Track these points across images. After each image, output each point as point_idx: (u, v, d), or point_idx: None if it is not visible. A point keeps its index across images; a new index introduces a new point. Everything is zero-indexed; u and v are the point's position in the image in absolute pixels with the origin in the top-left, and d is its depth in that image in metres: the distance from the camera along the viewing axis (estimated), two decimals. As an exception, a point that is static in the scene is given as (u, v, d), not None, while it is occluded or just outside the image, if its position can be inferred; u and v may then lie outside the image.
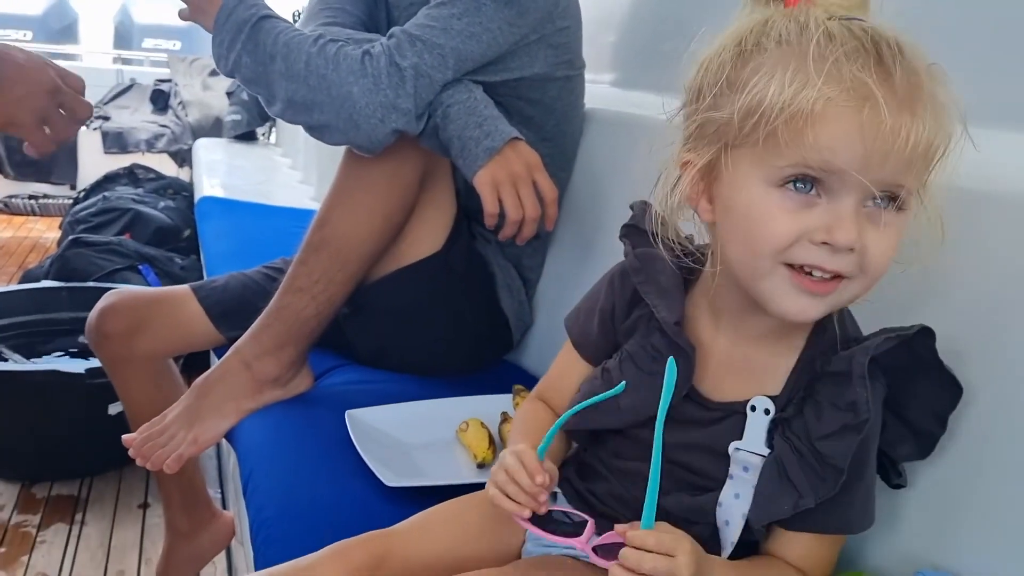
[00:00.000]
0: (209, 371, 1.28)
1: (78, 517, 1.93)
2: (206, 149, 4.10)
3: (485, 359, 1.44)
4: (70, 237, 2.85)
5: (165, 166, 4.48)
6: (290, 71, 1.19)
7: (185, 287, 1.50)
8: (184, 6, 1.26)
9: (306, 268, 1.24)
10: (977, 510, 0.72)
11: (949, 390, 0.69)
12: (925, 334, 0.67)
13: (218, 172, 3.46)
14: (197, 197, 3.03)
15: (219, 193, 2.94)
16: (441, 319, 1.36)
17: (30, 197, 4.63)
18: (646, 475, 0.61)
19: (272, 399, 1.27)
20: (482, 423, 1.12)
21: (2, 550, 1.79)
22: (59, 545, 1.82)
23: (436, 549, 0.79)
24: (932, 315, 0.71)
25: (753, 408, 0.70)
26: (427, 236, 1.32)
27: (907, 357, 0.68)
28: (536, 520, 0.72)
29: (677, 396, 0.68)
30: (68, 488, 2.03)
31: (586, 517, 0.73)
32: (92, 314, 1.46)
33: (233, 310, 1.44)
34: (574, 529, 0.71)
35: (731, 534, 0.70)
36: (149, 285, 2.62)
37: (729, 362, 0.73)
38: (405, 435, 1.12)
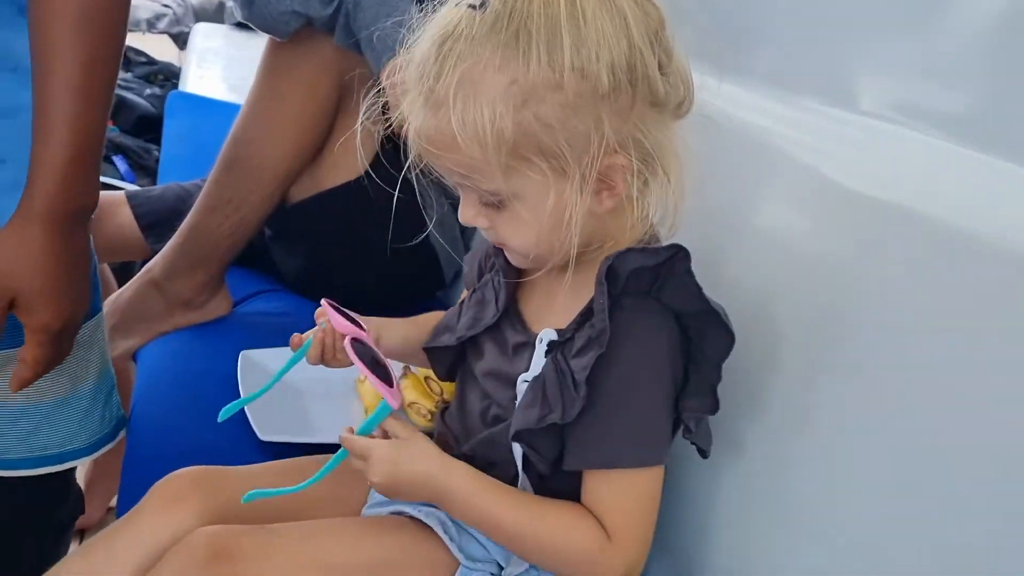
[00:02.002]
0: (120, 289, 1.22)
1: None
2: (204, 36, 3.94)
3: (414, 296, 1.37)
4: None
5: (164, 48, 4.34)
6: None
7: (120, 193, 1.45)
8: None
9: (218, 187, 1.18)
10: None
11: (726, 335, 0.67)
12: (682, 256, 0.65)
13: (209, 62, 3.33)
14: (181, 88, 2.92)
15: (205, 86, 2.82)
16: (360, 247, 1.28)
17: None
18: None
19: (185, 322, 1.23)
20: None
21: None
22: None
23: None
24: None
25: (541, 340, 0.70)
26: (347, 161, 1.23)
27: (698, 304, 0.66)
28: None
29: (494, 317, 0.75)
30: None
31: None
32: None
33: (163, 221, 1.39)
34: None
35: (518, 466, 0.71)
36: (122, 177, 2.56)
37: (549, 294, 0.73)
38: (302, 383, 1.02)
